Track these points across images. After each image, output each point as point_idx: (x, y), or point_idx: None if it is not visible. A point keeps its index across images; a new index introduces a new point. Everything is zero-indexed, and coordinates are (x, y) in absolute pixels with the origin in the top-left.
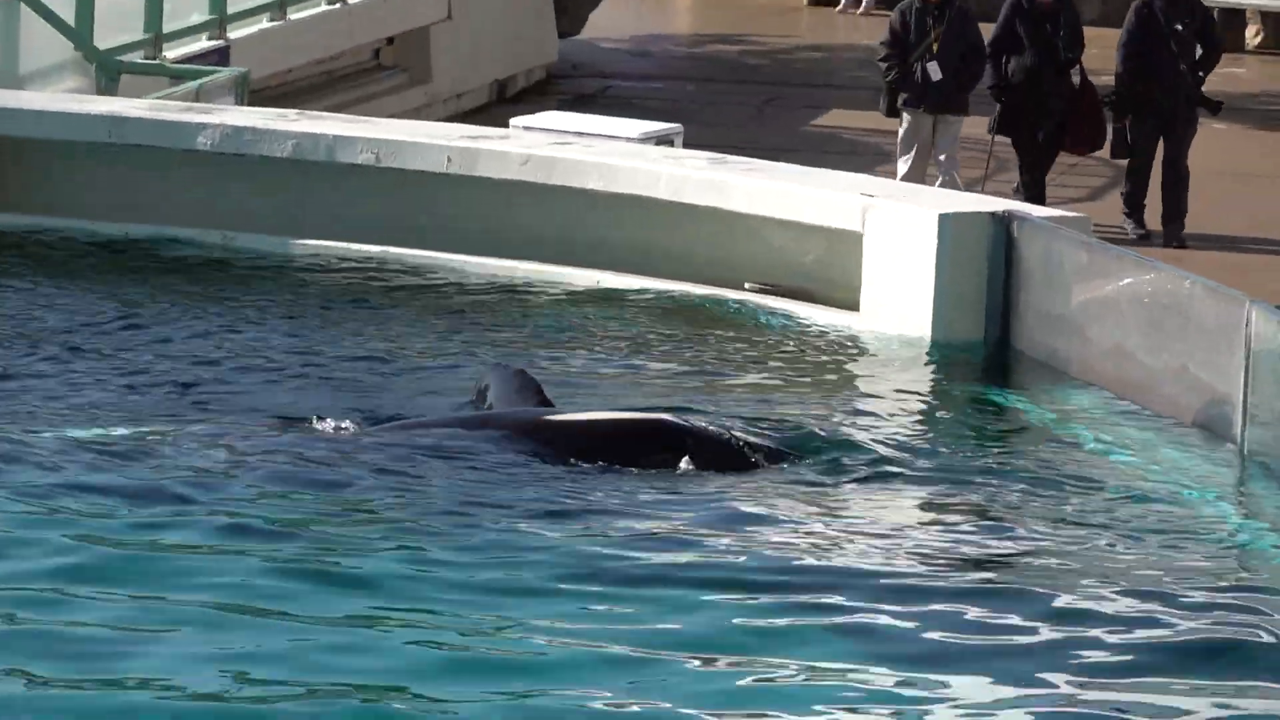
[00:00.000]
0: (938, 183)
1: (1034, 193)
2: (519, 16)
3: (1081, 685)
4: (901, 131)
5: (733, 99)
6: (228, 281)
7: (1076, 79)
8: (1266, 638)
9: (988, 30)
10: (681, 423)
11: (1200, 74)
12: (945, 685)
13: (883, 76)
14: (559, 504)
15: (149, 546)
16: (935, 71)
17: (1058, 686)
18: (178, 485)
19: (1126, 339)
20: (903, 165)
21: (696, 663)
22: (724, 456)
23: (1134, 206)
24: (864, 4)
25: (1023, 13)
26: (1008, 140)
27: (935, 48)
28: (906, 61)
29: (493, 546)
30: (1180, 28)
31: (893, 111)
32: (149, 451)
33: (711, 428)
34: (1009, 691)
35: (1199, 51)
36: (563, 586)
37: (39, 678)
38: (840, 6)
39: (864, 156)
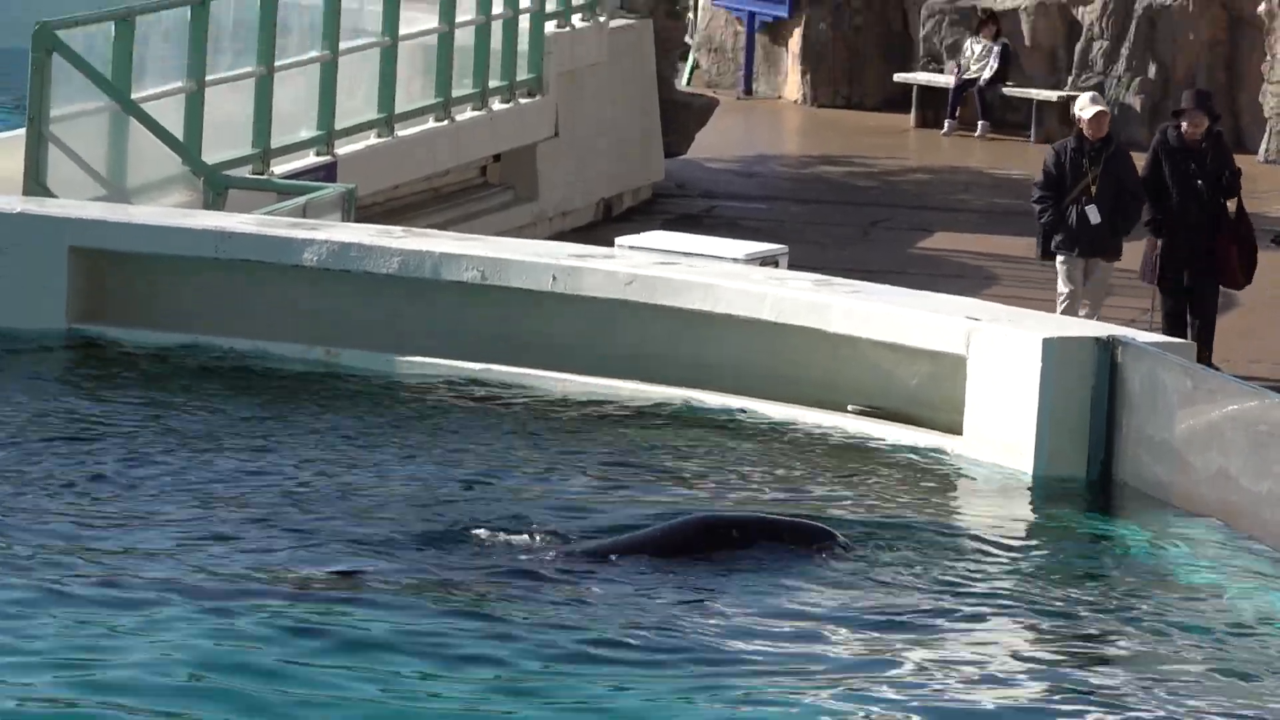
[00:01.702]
0: None
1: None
2: (626, 135)
3: None
4: (1060, 276)
5: (838, 220)
6: (330, 397)
7: (1232, 212)
8: None
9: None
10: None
11: None
12: None
13: (1037, 218)
14: None
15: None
16: (1094, 215)
17: None
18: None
19: (1230, 465)
20: (1061, 308)
21: None
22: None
23: None
24: (980, 128)
25: (1169, 150)
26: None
27: (1093, 189)
28: (1061, 203)
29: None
30: None
31: (1047, 254)
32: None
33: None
34: None
35: None
36: None
37: None
38: (945, 129)
39: (970, 279)
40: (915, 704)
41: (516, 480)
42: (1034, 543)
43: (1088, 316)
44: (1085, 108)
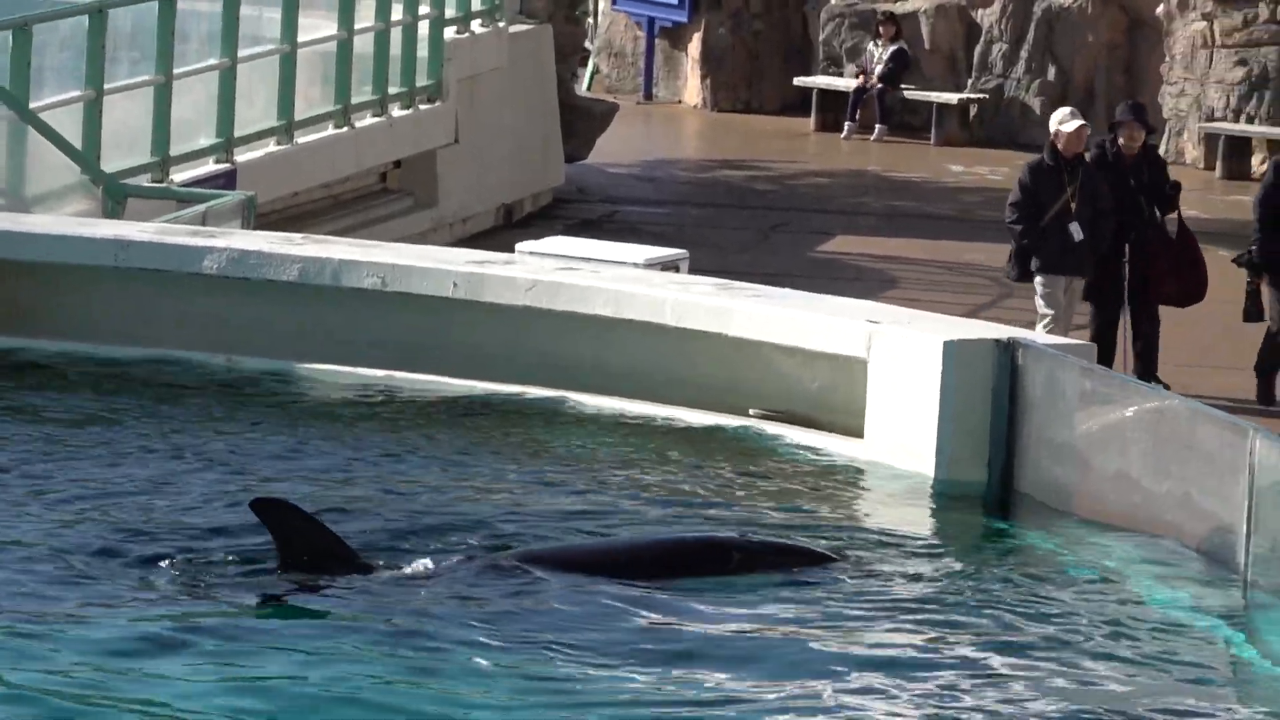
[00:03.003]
0: None
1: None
2: (526, 141)
3: None
4: (1040, 297)
5: (739, 224)
6: (232, 405)
7: (1172, 228)
8: None
9: None
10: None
11: None
12: None
13: (1016, 239)
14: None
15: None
16: (1077, 233)
17: None
18: None
19: (1130, 467)
20: (1044, 333)
21: None
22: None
23: (1267, 379)
24: (876, 132)
25: (1106, 166)
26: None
27: (1073, 207)
28: (1040, 222)
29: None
30: None
31: (1025, 275)
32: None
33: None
34: None
35: None
36: None
37: None
38: (845, 131)
39: (869, 282)
40: (811, 707)
41: (422, 488)
42: (934, 545)
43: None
44: (1065, 122)
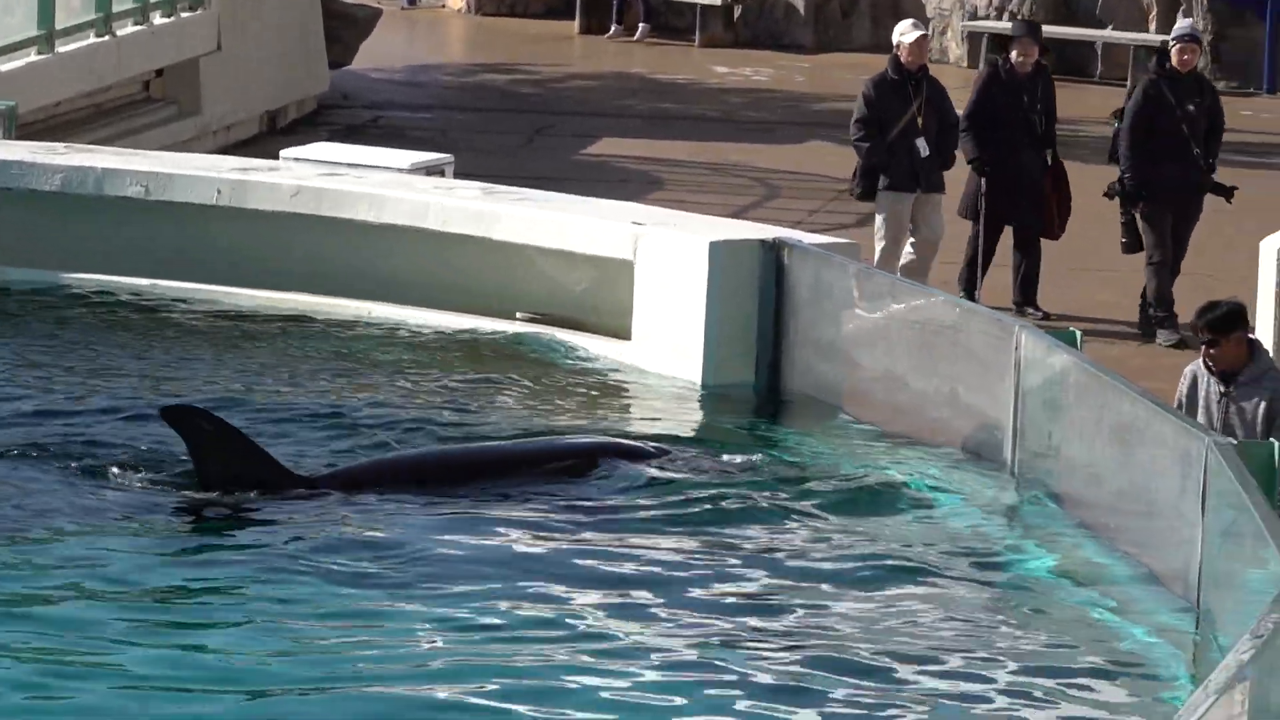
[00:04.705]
0: (909, 263)
1: (969, 272)
2: (289, 47)
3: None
4: (883, 215)
5: (504, 128)
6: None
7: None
8: (1029, 648)
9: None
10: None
11: (1210, 159)
12: None
13: (864, 157)
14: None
15: None
16: (924, 148)
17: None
18: None
19: (896, 365)
20: (882, 250)
21: None
22: None
23: (1166, 307)
24: (639, 32)
25: (1000, 83)
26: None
27: (920, 122)
28: (886, 138)
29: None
30: (1192, 108)
31: (869, 193)
32: None
33: None
34: None
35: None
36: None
37: None
38: (610, 33)
39: (635, 184)
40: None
41: (197, 395)
42: (695, 438)
43: (926, 259)
44: (907, 33)
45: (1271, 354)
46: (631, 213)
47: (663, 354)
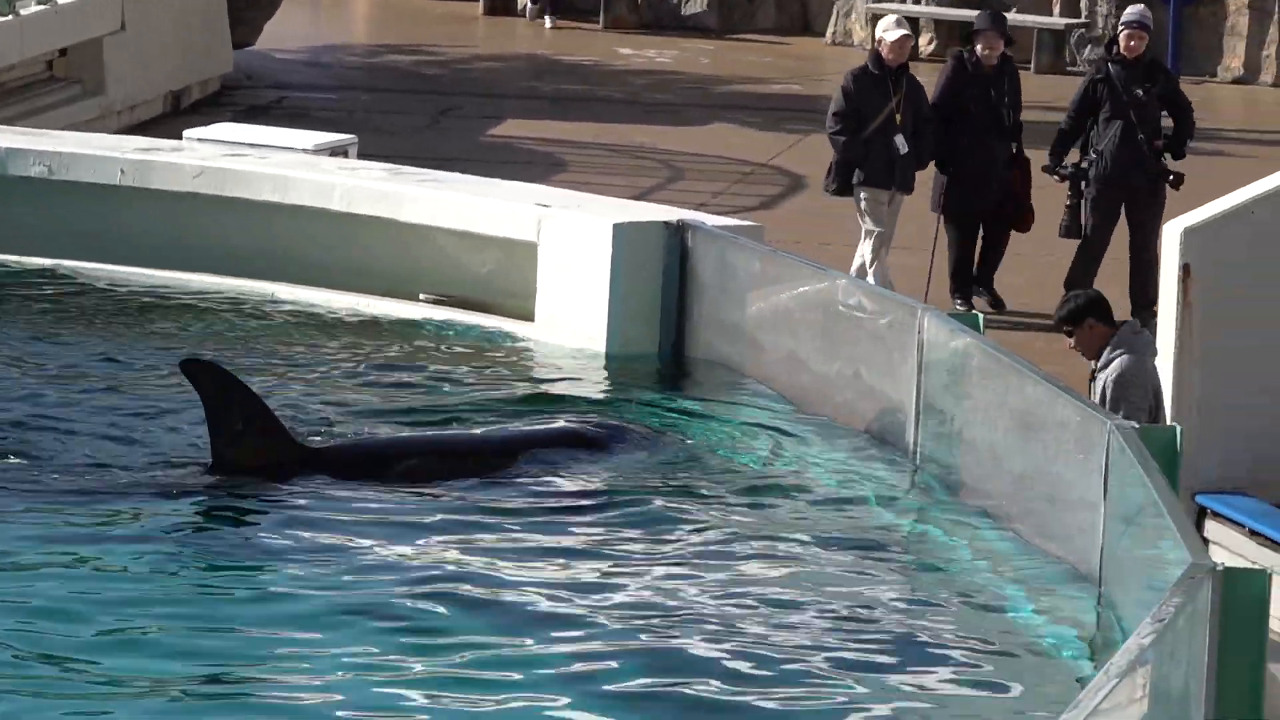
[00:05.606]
0: (863, 266)
1: (961, 277)
2: (192, 27)
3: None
4: (868, 211)
5: (409, 109)
6: None
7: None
8: (928, 634)
9: None
10: None
11: (1158, 143)
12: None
13: (840, 150)
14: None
15: None
16: (902, 145)
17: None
18: None
19: (800, 347)
20: (869, 251)
21: None
22: None
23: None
24: (533, 11)
25: (966, 77)
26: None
27: (899, 118)
28: (863, 133)
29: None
30: (1141, 94)
31: (845, 189)
32: None
33: None
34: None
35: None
36: None
37: None
38: (528, 17)
39: (540, 166)
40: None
41: (99, 379)
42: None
43: (880, 251)
44: (889, 30)
45: (1174, 332)
46: (536, 194)
47: (566, 336)
